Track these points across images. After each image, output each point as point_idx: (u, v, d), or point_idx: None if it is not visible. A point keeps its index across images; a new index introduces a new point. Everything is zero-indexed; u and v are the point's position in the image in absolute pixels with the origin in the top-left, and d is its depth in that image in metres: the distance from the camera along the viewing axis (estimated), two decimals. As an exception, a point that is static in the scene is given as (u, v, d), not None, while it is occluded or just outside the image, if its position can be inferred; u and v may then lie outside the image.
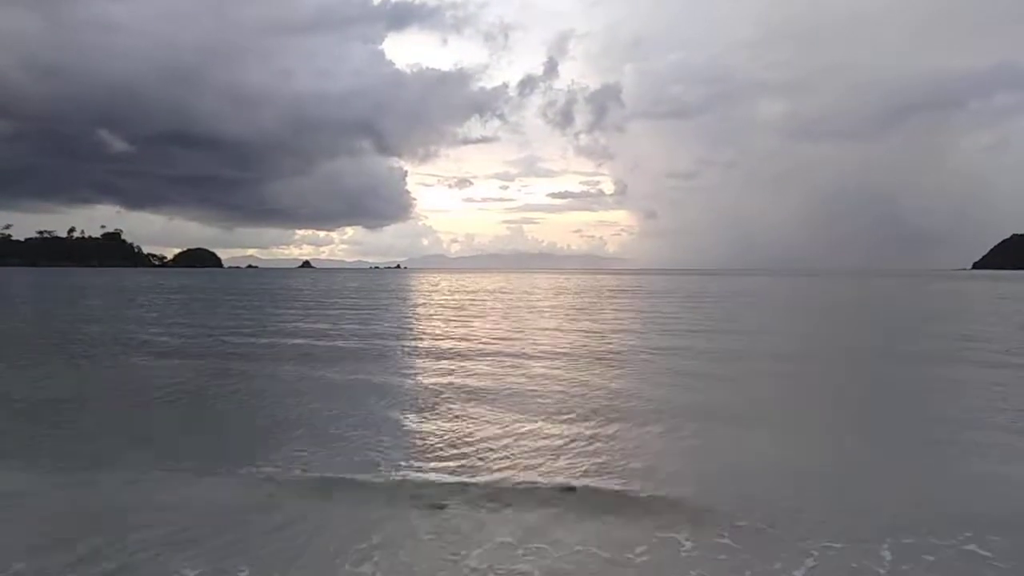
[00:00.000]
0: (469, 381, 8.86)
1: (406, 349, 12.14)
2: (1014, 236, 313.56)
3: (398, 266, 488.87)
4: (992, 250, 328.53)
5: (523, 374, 9.28)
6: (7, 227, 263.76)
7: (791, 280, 77.23)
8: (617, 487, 4.91)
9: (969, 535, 4.25)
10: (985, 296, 36.57)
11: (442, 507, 4.52)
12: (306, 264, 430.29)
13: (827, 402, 8.15)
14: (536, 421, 6.74)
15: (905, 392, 8.66)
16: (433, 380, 9.03)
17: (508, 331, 14.68)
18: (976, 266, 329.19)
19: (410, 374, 9.68)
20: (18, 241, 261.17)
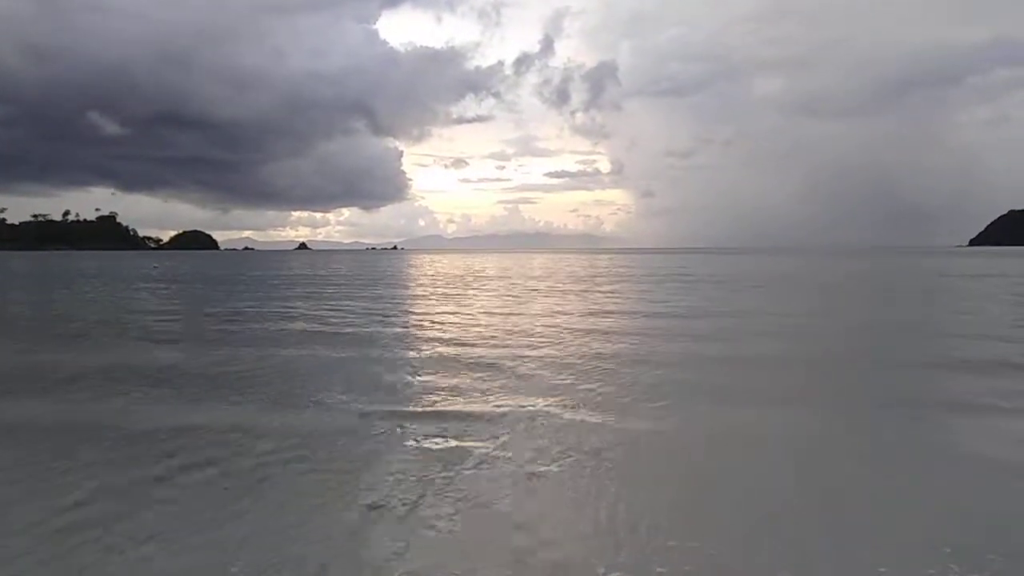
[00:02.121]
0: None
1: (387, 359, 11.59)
2: (1011, 212, 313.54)
3: (395, 247, 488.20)
4: (989, 226, 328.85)
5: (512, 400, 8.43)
6: (1, 210, 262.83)
7: (789, 259, 76.73)
8: None
9: (957, 569, 3.86)
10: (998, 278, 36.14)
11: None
12: (302, 246, 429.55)
13: (818, 414, 7.70)
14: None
15: (908, 407, 8.12)
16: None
17: (503, 331, 13.80)
18: (973, 243, 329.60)
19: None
20: (13, 225, 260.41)
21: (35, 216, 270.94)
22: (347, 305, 19.66)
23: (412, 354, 10.63)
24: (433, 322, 15.01)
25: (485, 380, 8.42)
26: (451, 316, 16.28)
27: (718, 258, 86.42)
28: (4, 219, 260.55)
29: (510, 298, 21.97)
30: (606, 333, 12.79)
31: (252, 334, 13.27)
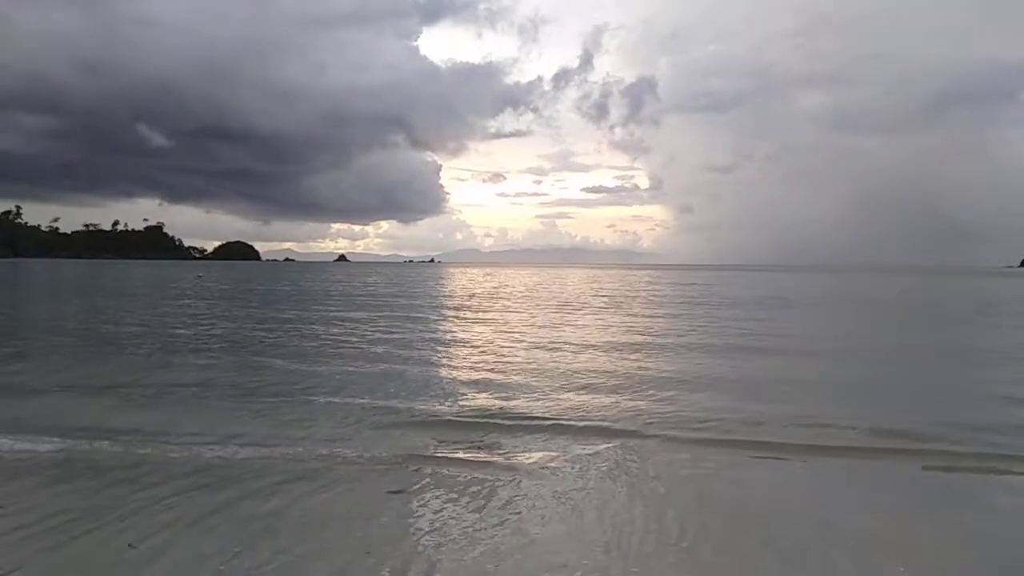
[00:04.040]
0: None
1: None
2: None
3: (432, 260, 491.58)
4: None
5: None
6: (55, 220, 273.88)
7: (836, 279, 74.35)
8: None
9: None
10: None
11: None
12: (342, 258, 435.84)
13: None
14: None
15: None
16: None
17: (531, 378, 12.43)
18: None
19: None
20: (65, 234, 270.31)
21: (86, 225, 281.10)
22: (378, 334, 19.20)
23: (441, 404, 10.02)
24: (460, 356, 14.42)
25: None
26: (480, 349, 15.66)
27: (760, 276, 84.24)
28: (58, 228, 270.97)
29: (544, 327, 21.25)
30: (642, 374, 12.00)
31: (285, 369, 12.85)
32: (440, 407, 8.60)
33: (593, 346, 14.72)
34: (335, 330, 17.93)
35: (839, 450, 6.74)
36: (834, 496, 5.58)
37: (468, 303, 30.41)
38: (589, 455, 6.44)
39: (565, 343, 15.15)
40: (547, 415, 8.10)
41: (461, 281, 62.62)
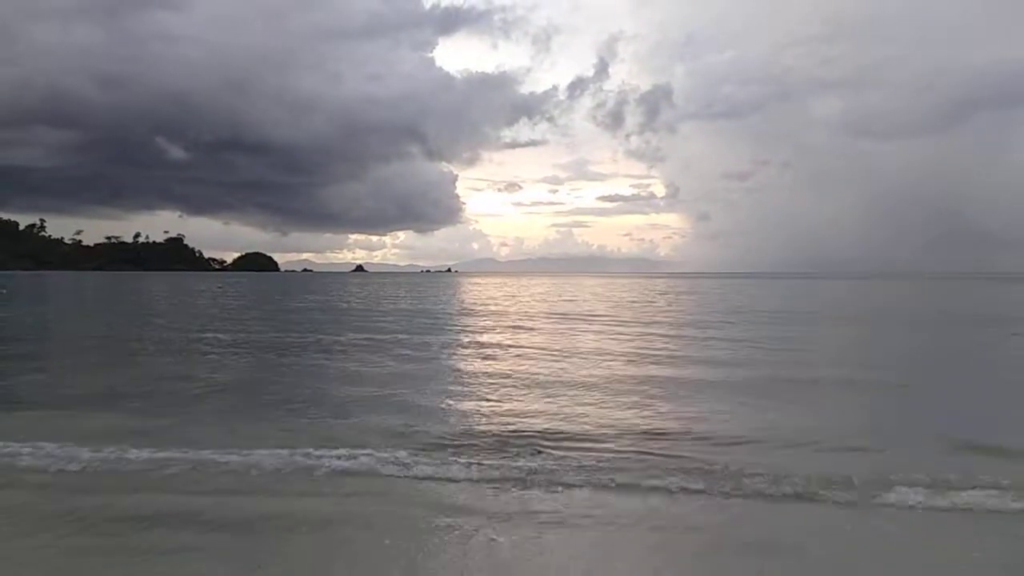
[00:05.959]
0: None
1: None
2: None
3: (449, 270, 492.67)
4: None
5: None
6: (78, 233, 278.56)
7: (863, 286, 73.00)
8: None
9: None
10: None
11: None
12: (359, 268, 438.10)
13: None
14: None
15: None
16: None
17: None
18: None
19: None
20: (88, 246, 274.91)
21: (108, 238, 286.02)
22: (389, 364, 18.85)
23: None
24: (476, 389, 14.03)
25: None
26: (495, 379, 15.25)
27: (785, 284, 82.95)
28: (80, 241, 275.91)
29: (563, 351, 20.78)
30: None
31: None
32: (452, 458, 8.19)
33: (617, 378, 14.24)
34: (340, 357, 17.62)
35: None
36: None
37: (483, 322, 30.05)
38: (615, 503, 6.09)
39: (587, 374, 14.69)
40: (570, 459, 7.67)
41: (477, 293, 62.30)
